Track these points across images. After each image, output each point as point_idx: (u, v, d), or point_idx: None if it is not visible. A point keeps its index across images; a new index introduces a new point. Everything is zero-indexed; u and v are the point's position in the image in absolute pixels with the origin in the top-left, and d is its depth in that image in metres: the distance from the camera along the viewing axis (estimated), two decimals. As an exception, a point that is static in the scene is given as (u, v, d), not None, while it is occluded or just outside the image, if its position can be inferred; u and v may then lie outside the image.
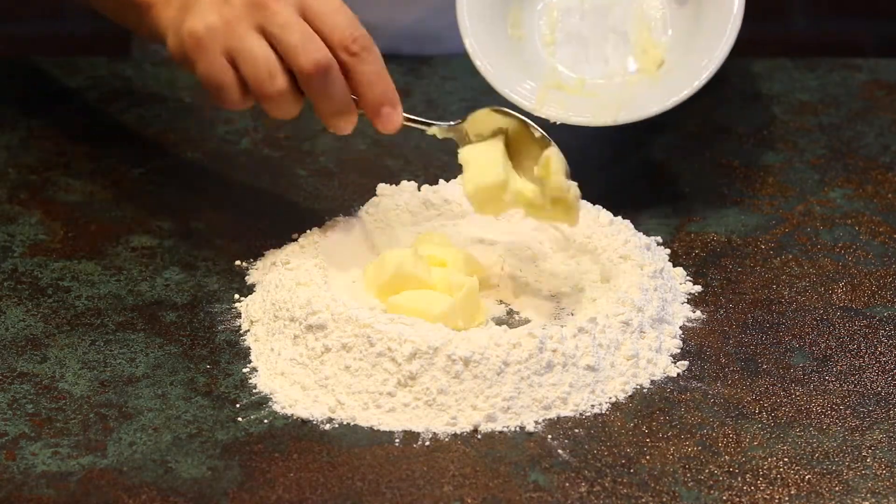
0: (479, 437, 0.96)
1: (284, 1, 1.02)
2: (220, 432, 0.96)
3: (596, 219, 1.14)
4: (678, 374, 1.02)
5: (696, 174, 1.29)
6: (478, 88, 1.44)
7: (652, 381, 1.02)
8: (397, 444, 0.96)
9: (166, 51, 1.07)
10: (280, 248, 1.14)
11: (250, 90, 1.03)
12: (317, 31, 1.02)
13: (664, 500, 0.91)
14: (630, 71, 1.25)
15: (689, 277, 1.13)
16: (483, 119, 1.08)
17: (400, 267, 1.05)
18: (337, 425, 0.97)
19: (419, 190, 1.17)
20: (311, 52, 1.01)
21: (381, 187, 1.17)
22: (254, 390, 1.01)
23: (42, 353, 1.04)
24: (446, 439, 0.96)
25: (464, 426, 0.97)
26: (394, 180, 1.18)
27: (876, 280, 1.13)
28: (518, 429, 0.97)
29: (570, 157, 1.33)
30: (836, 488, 0.92)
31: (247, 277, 1.13)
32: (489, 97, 1.42)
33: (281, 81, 1.02)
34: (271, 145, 1.33)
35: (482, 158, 1.07)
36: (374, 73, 1.03)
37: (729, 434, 0.96)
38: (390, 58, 1.48)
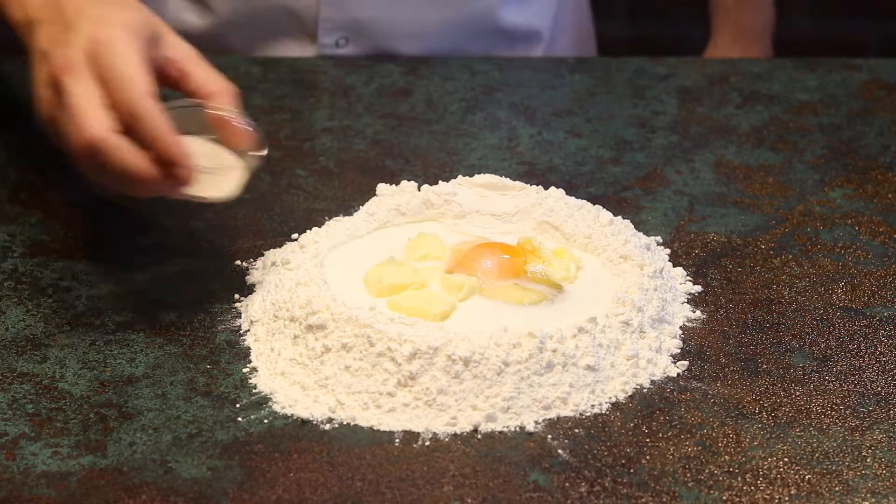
0: (479, 437, 0.96)
1: (75, 74, 1.02)
2: (220, 432, 0.96)
3: (596, 219, 1.14)
4: (678, 374, 1.02)
5: (696, 174, 1.29)
6: (477, 88, 1.44)
7: (652, 381, 1.02)
8: (397, 444, 0.96)
9: None
10: (280, 248, 1.14)
11: None
12: (108, 97, 1.02)
13: (664, 500, 0.91)
14: None
15: (689, 277, 1.13)
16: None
17: (398, 276, 1.05)
18: (337, 425, 0.97)
19: (419, 190, 1.17)
20: (75, 130, 1.01)
21: (381, 187, 1.17)
22: (254, 390, 1.01)
23: (42, 353, 1.04)
24: (446, 439, 0.96)
25: (464, 426, 0.97)
26: (394, 180, 1.18)
27: (876, 280, 1.13)
28: (518, 429, 0.97)
29: (569, 158, 1.33)
30: (836, 488, 0.92)
31: (247, 277, 1.13)
32: (488, 97, 1.42)
33: (73, 152, 1.02)
34: (271, 145, 1.33)
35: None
36: (146, 137, 1.01)
37: (729, 434, 0.96)
38: (390, 58, 1.50)
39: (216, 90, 1.06)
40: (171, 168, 1.01)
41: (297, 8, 1.49)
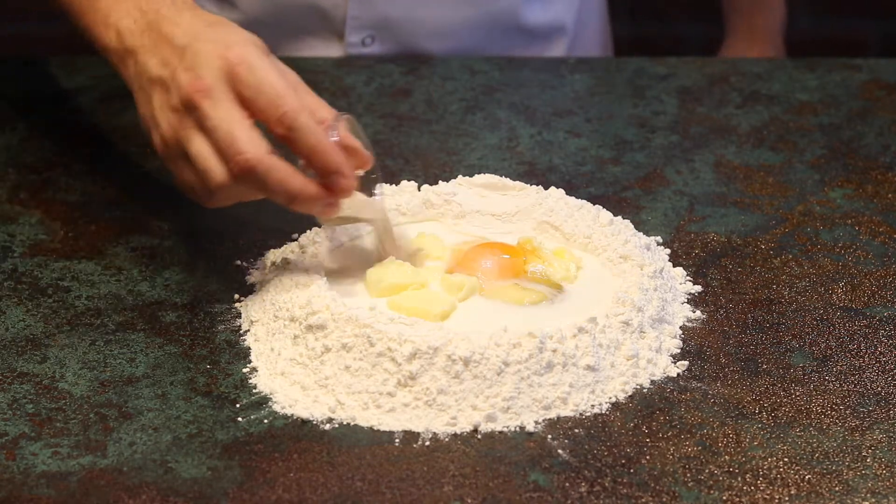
0: (479, 437, 0.96)
1: (214, 96, 1.01)
2: (220, 432, 0.96)
3: (596, 219, 1.14)
4: (678, 374, 1.02)
5: (696, 174, 1.29)
6: (477, 88, 1.44)
7: (652, 381, 1.02)
8: (397, 444, 0.95)
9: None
10: (280, 248, 1.14)
11: None
12: (252, 115, 1.01)
13: (664, 500, 0.91)
14: None
15: (689, 277, 1.13)
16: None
17: (398, 276, 1.05)
18: (337, 425, 0.97)
19: (419, 190, 1.17)
20: (230, 156, 1.00)
21: (381, 187, 1.17)
22: (254, 390, 1.01)
23: (42, 353, 1.04)
24: (446, 439, 0.96)
25: (464, 426, 0.97)
26: (394, 180, 1.18)
27: (876, 280, 1.13)
28: (518, 429, 0.97)
29: (569, 158, 1.33)
30: (836, 488, 0.92)
31: (247, 277, 1.13)
32: (488, 97, 1.42)
33: (216, 176, 1.01)
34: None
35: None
36: (306, 149, 1.01)
37: (729, 434, 0.96)
38: (394, 57, 1.50)
39: (325, 116, 1.05)
40: (333, 179, 1.01)
41: (325, 6, 1.49)
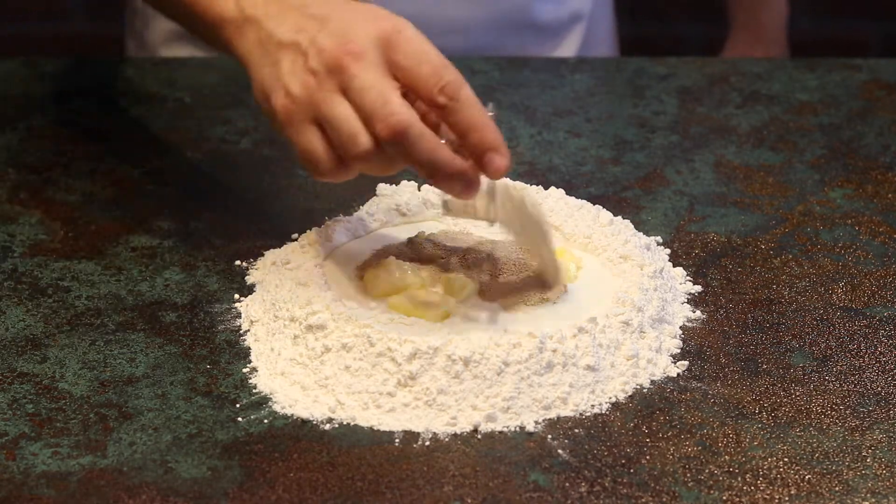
0: (479, 437, 0.96)
1: (366, 59, 0.98)
2: (220, 432, 0.96)
3: (596, 219, 1.14)
4: (678, 374, 1.02)
5: (696, 174, 1.29)
6: (477, 88, 1.44)
7: (652, 381, 1.02)
8: (397, 444, 0.95)
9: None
10: (280, 248, 1.14)
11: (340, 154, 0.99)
12: (403, 85, 0.98)
13: (664, 500, 0.91)
14: None
15: (689, 277, 1.13)
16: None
17: (398, 276, 1.05)
18: (337, 425, 0.97)
19: (419, 190, 1.17)
20: (382, 117, 0.96)
21: (381, 187, 1.17)
22: (254, 390, 1.01)
23: (42, 353, 1.04)
24: (446, 439, 0.96)
25: (464, 426, 0.97)
26: (394, 180, 1.18)
27: (876, 280, 1.13)
28: (518, 429, 0.97)
29: (569, 158, 1.33)
30: (836, 488, 0.92)
31: (247, 277, 1.13)
32: (488, 97, 1.42)
33: (364, 142, 0.97)
34: (271, 145, 1.33)
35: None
36: (466, 122, 0.98)
37: (729, 434, 0.96)
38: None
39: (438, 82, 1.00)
40: (489, 156, 0.97)
41: None
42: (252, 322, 1.07)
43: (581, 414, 0.98)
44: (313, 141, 0.99)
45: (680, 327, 1.07)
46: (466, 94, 0.98)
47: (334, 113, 0.98)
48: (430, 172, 0.98)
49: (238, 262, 1.15)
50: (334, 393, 0.99)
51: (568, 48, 1.57)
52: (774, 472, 0.93)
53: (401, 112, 0.96)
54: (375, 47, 0.98)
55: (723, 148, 1.34)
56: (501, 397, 0.97)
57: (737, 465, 0.94)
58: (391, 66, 0.98)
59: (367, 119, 0.97)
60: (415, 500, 0.91)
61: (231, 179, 1.28)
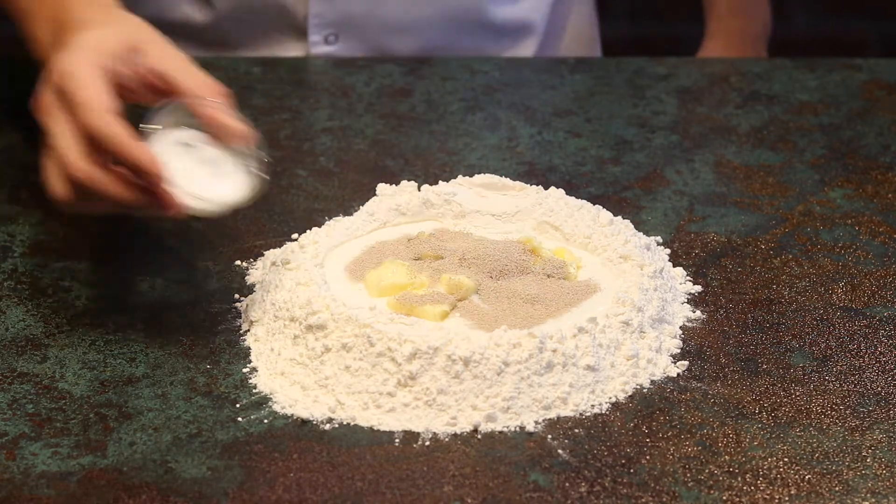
0: (479, 437, 0.96)
1: (50, 112, 1.03)
2: (220, 432, 0.96)
3: (596, 219, 1.14)
4: (678, 374, 1.02)
5: (696, 174, 1.29)
6: (477, 88, 1.44)
7: (652, 381, 1.02)
8: (397, 444, 0.95)
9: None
10: (280, 248, 1.14)
11: None
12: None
13: (664, 500, 0.91)
14: None
15: (689, 277, 1.13)
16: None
17: (398, 276, 1.05)
18: (337, 425, 0.97)
19: (419, 190, 1.17)
20: (62, 170, 1.02)
21: (381, 187, 1.17)
22: (254, 390, 1.01)
23: (42, 353, 1.04)
24: (446, 439, 0.96)
25: (464, 426, 0.97)
26: (394, 180, 1.18)
27: (876, 280, 1.13)
28: (518, 429, 0.97)
29: (569, 158, 1.33)
30: (836, 488, 0.92)
31: (247, 277, 1.13)
32: (488, 97, 1.42)
33: (59, 190, 1.03)
34: (271, 145, 1.33)
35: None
36: (119, 156, 1.01)
37: (729, 434, 0.96)
38: (391, 58, 1.50)
39: (206, 94, 1.05)
40: (145, 178, 1.00)
41: (286, 4, 1.49)
42: (252, 322, 1.07)
43: (581, 414, 0.98)
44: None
45: (680, 327, 1.07)
46: (101, 125, 1.01)
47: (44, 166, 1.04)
48: (122, 208, 1.02)
49: (238, 262, 1.15)
50: (334, 393, 0.99)
51: (524, 51, 1.56)
52: (774, 472, 0.93)
53: (70, 163, 1.01)
54: (55, 96, 1.03)
55: (723, 148, 1.34)
56: (501, 397, 0.97)
57: (737, 465, 0.94)
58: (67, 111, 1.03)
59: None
60: (415, 500, 0.91)
61: (231, 179, 1.28)
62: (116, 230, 1.19)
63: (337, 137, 1.35)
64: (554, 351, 0.99)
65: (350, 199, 1.22)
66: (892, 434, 0.96)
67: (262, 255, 1.14)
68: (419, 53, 1.50)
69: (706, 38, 1.73)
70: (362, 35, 1.51)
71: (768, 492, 0.92)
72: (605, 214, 1.15)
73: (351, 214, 1.16)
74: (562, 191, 1.17)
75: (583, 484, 0.92)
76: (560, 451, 0.95)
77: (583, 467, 0.93)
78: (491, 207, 1.16)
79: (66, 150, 1.02)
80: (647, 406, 0.99)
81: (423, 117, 1.39)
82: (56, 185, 1.03)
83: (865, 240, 1.18)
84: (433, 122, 1.38)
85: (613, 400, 1.00)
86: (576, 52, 1.64)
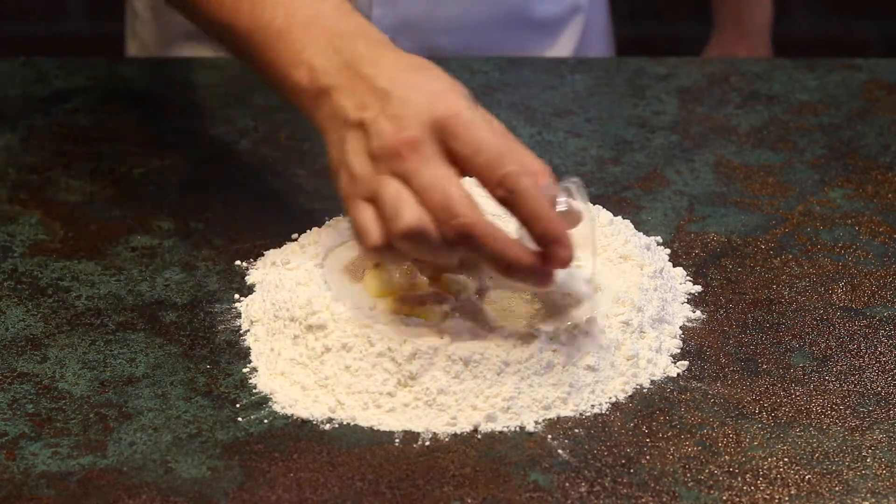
0: (479, 437, 0.96)
1: (423, 151, 0.96)
2: (220, 432, 0.96)
3: (595, 219, 1.14)
4: (678, 374, 1.02)
5: (696, 174, 1.29)
6: (477, 88, 1.44)
7: (652, 381, 1.02)
8: (397, 444, 0.96)
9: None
10: (280, 248, 1.14)
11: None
12: (462, 172, 0.97)
13: (664, 500, 0.91)
14: None
15: (689, 277, 1.13)
16: None
17: (398, 276, 1.05)
18: (337, 425, 0.97)
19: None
20: (445, 220, 0.95)
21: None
22: (254, 390, 1.01)
23: (42, 353, 1.04)
24: (446, 439, 0.96)
25: (464, 426, 0.97)
26: (394, 180, 1.18)
27: (876, 280, 1.13)
28: (518, 429, 0.97)
29: (569, 158, 1.33)
30: (836, 488, 0.92)
31: (247, 277, 1.13)
32: (488, 97, 1.42)
33: (405, 219, 0.95)
34: (271, 145, 1.33)
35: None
36: (527, 214, 0.96)
37: (729, 434, 0.96)
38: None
39: (537, 169, 0.98)
40: (551, 248, 0.96)
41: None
42: (252, 322, 1.07)
43: (581, 414, 0.98)
44: (364, 215, 0.98)
45: (680, 327, 1.07)
46: (525, 185, 0.96)
47: (382, 191, 0.97)
48: (500, 269, 0.97)
49: (238, 262, 1.15)
50: (334, 393, 0.99)
51: (565, 44, 1.58)
52: (774, 472, 0.93)
53: (464, 212, 0.95)
54: (431, 134, 0.97)
55: (723, 148, 1.34)
56: (501, 397, 0.97)
57: (737, 465, 0.94)
58: (448, 154, 0.97)
59: (434, 217, 0.96)
60: (415, 500, 0.91)
61: (231, 179, 1.28)
62: (116, 230, 1.19)
63: (337, 137, 1.35)
64: (554, 351, 0.99)
65: (350, 199, 1.22)
66: (892, 434, 0.96)
67: (262, 255, 1.14)
68: (463, 53, 1.51)
69: (716, 31, 1.74)
70: (418, 36, 1.51)
71: (768, 492, 0.92)
72: (605, 214, 1.15)
73: (351, 214, 1.16)
74: (562, 191, 1.17)
75: (583, 484, 0.92)
76: (560, 451, 0.95)
77: (583, 467, 0.94)
78: (491, 207, 1.16)
79: (455, 197, 0.95)
80: (647, 406, 0.99)
81: (423, 117, 1.39)
82: (402, 213, 0.95)
83: (865, 240, 1.18)
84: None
85: (613, 400, 1.00)
86: (601, 50, 1.64)
